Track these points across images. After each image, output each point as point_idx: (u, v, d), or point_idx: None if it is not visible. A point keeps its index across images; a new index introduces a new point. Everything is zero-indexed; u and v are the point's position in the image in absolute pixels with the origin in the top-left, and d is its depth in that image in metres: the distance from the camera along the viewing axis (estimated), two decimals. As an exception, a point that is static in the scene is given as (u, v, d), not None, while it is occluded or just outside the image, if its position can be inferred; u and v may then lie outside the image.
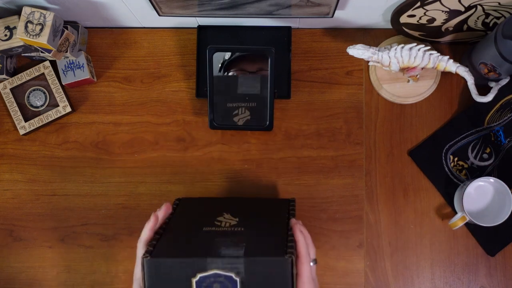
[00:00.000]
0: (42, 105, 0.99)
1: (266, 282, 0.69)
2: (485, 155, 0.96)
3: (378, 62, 0.91)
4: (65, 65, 0.97)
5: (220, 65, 0.97)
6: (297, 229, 0.74)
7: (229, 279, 0.69)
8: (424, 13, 0.86)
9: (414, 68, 0.91)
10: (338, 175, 0.98)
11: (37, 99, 0.99)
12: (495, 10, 0.84)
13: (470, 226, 0.95)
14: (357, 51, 0.89)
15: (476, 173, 0.96)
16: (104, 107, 1.00)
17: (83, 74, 0.97)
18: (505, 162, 0.96)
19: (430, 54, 0.88)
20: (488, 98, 0.90)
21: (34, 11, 0.85)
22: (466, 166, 0.97)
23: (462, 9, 0.84)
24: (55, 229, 0.98)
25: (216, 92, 0.94)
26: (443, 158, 0.97)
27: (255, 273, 0.69)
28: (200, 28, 0.99)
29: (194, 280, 0.69)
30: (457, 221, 0.91)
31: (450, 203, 0.96)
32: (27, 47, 0.91)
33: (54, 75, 0.98)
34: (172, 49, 1.01)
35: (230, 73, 0.97)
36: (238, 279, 0.69)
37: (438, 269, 0.96)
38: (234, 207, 0.82)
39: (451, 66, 0.89)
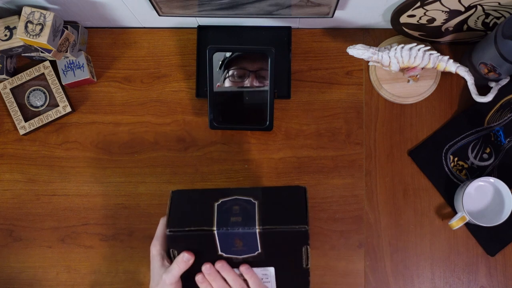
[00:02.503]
0: (42, 105, 0.99)
1: (281, 206, 0.76)
2: (485, 155, 0.96)
3: (378, 62, 0.91)
4: (65, 65, 0.97)
5: (220, 63, 0.97)
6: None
7: (248, 202, 0.76)
8: (424, 13, 0.86)
9: (414, 68, 0.91)
10: (338, 175, 0.98)
11: (37, 99, 0.99)
12: (495, 10, 0.84)
13: (470, 226, 0.95)
14: (357, 51, 0.89)
15: (476, 173, 0.96)
16: (104, 107, 1.00)
17: (83, 74, 0.97)
18: (505, 162, 0.96)
19: (430, 54, 0.88)
20: (488, 98, 0.90)
21: (34, 11, 0.85)
22: (466, 166, 0.97)
23: (462, 9, 0.84)
24: (55, 229, 0.98)
25: (216, 92, 0.94)
26: (443, 158, 0.97)
27: (272, 198, 0.76)
28: (200, 28, 0.99)
29: (216, 204, 0.75)
30: (457, 221, 0.91)
31: (450, 203, 0.96)
32: (27, 47, 0.91)
33: (54, 75, 0.98)
34: (172, 49, 1.01)
35: (231, 72, 0.97)
36: (256, 202, 0.75)
37: (438, 269, 0.96)
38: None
39: (451, 66, 0.89)
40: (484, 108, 0.96)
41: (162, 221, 0.81)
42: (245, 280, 0.77)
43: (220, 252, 0.76)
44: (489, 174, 0.96)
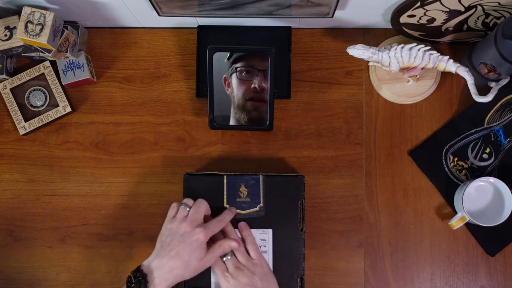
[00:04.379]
0: (42, 105, 0.99)
1: (281, 175, 0.91)
2: (485, 155, 0.96)
3: (378, 62, 0.91)
4: (65, 65, 0.97)
5: (228, 54, 0.96)
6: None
7: (254, 175, 0.90)
8: (424, 13, 0.86)
9: (414, 68, 0.91)
10: (338, 175, 0.98)
11: (37, 99, 0.99)
12: (495, 10, 0.84)
13: (470, 226, 0.95)
14: (357, 51, 0.89)
15: (476, 173, 0.96)
16: (104, 107, 1.00)
17: (83, 74, 0.97)
18: (505, 162, 0.96)
19: (430, 54, 0.88)
20: (488, 98, 0.90)
21: (34, 11, 0.85)
22: (466, 166, 0.97)
23: (462, 9, 0.84)
24: (55, 229, 0.98)
25: (216, 92, 0.94)
26: (443, 158, 0.97)
27: (273, 177, 0.91)
28: (200, 28, 0.99)
29: (225, 174, 0.90)
30: (457, 221, 0.91)
31: (450, 203, 0.96)
32: (27, 47, 0.91)
33: (54, 75, 0.98)
34: (172, 49, 1.01)
35: (238, 68, 0.96)
36: (260, 174, 0.90)
37: (438, 269, 0.96)
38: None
39: (451, 66, 0.89)
40: (484, 108, 0.96)
41: (202, 203, 0.86)
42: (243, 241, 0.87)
43: (226, 204, 0.88)
44: (489, 174, 0.96)
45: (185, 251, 0.80)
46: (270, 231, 0.88)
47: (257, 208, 0.89)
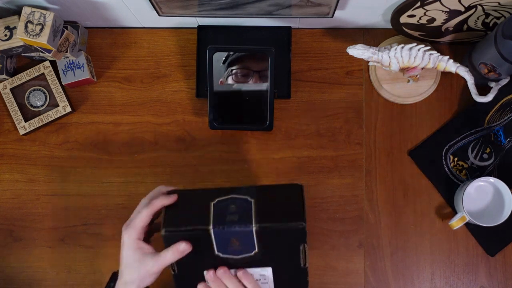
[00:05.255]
0: (42, 105, 0.99)
1: (278, 204, 0.75)
2: (485, 155, 0.96)
3: (378, 62, 0.91)
4: (65, 65, 0.97)
5: (224, 58, 0.96)
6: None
7: (244, 200, 0.74)
8: (424, 13, 0.86)
9: (414, 68, 0.91)
10: (338, 175, 0.98)
11: (37, 99, 0.99)
12: (495, 10, 0.84)
13: (470, 226, 0.95)
14: (357, 51, 0.89)
15: (476, 173, 0.96)
16: (104, 107, 1.00)
17: (83, 74, 0.97)
18: (505, 162, 0.96)
19: (430, 54, 0.88)
20: (488, 98, 0.90)
21: (34, 11, 0.85)
22: (466, 166, 0.97)
23: (462, 9, 0.84)
24: (55, 229, 0.98)
25: (216, 92, 0.94)
26: (443, 158, 0.97)
27: (268, 196, 0.75)
28: (200, 28, 0.99)
29: (212, 203, 0.74)
30: (457, 221, 0.91)
31: (450, 203, 0.96)
32: (27, 47, 0.91)
33: (54, 75, 0.98)
34: (172, 49, 1.01)
35: (234, 70, 0.96)
36: (252, 200, 0.74)
37: (438, 269, 0.96)
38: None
39: (451, 66, 0.89)
40: (484, 108, 0.96)
41: (145, 211, 0.76)
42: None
43: (217, 253, 0.74)
44: (489, 174, 0.96)
45: (122, 256, 0.77)
46: (269, 269, 0.77)
47: (252, 254, 0.74)
